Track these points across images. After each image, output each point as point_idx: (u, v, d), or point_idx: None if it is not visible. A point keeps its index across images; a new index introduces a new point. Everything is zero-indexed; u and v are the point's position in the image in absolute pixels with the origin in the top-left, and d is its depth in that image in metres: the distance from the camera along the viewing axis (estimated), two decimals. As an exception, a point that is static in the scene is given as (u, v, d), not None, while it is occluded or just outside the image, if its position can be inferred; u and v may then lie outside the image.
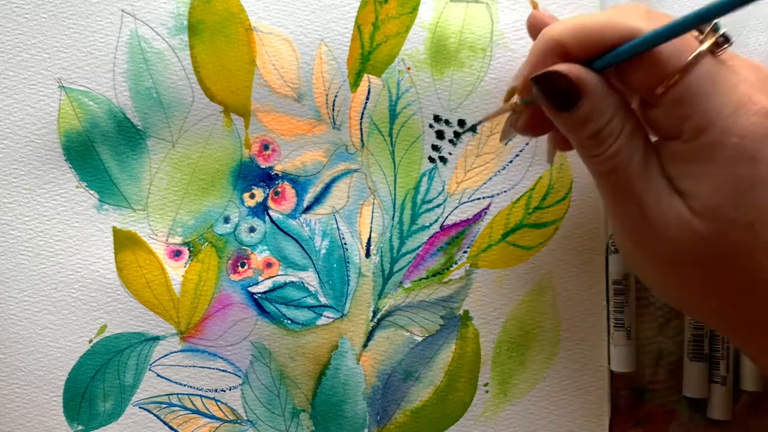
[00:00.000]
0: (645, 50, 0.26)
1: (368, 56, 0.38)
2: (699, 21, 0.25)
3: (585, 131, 0.28)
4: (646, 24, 0.27)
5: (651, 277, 0.30)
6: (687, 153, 0.27)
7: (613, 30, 0.27)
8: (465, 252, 0.38)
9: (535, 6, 0.37)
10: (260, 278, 0.38)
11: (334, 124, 0.38)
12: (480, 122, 0.37)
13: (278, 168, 0.38)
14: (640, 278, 0.34)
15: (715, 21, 0.27)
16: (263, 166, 0.38)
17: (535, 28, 0.35)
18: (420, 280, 0.38)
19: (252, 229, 0.38)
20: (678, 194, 0.27)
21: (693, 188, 0.26)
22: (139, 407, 0.38)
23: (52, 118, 0.37)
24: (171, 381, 0.38)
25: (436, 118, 0.38)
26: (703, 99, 0.26)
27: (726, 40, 0.27)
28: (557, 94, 0.28)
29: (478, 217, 0.38)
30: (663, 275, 0.29)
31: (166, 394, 0.38)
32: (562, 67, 0.27)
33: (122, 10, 0.37)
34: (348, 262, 0.38)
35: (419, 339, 0.38)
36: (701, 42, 0.27)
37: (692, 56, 0.26)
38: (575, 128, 0.28)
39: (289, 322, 0.38)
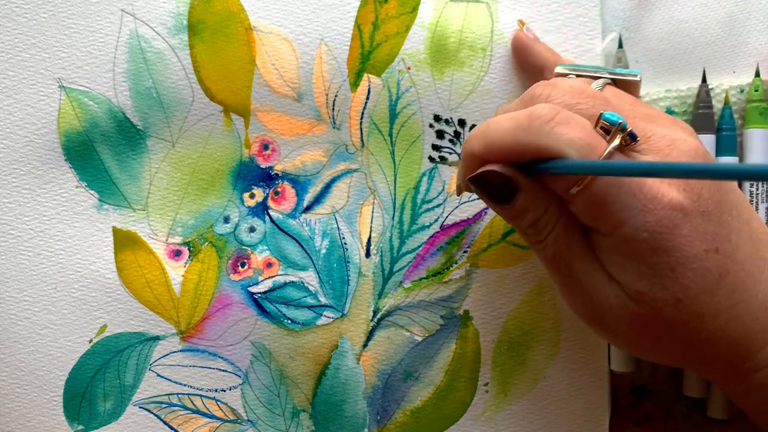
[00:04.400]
0: (569, 174, 0.27)
1: (368, 56, 0.38)
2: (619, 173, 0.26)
3: (524, 221, 0.30)
4: (551, 141, 0.27)
5: (605, 337, 0.33)
6: (608, 245, 0.28)
7: (523, 155, 0.28)
8: (465, 252, 0.38)
9: (521, 25, 0.37)
10: (260, 278, 0.38)
11: (334, 123, 0.38)
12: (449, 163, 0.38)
13: (278, 168, 0.38)
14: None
15: (621, 120, 0.28)
16: (263, 166, 0.38)
17: (518, 51, 0.37)
18: (420, 279, 0.38)
19: (252, 229, 0.38)
20: (612, 279, 0.29)
21: (621, 276, 0.28)
22: (140, 407, 0.38)
23: (52, 118, 0.37)
24: (171, 381, 0.38)
25: (437, 118, 0.38)
26: (612, 200, 0.27)
27: (632, 137, 0.28)
28: (495, 190, 0.29)
29: (478, 216, 0.38)
30: (614, 339, 0.32)
31: (166, 394, 0.38)
32: (496, 166, 0.29)
33: (122, 10, 0.37)
34: (348, 262, 0.38)
35: (419, 339, 0.38)
36: (609, 142, 0.28)
37: (601, 159, 0.27)
38: (515, 219, 0.30)
39: (289, 322, 0.38)
